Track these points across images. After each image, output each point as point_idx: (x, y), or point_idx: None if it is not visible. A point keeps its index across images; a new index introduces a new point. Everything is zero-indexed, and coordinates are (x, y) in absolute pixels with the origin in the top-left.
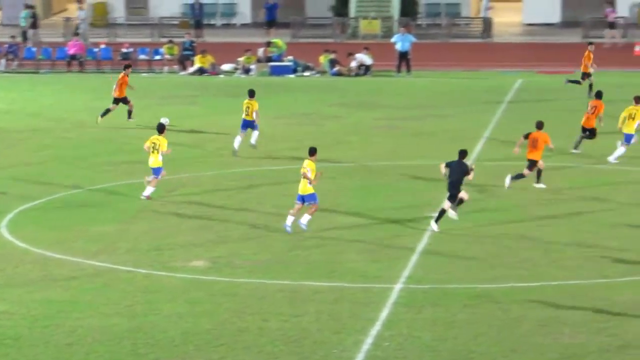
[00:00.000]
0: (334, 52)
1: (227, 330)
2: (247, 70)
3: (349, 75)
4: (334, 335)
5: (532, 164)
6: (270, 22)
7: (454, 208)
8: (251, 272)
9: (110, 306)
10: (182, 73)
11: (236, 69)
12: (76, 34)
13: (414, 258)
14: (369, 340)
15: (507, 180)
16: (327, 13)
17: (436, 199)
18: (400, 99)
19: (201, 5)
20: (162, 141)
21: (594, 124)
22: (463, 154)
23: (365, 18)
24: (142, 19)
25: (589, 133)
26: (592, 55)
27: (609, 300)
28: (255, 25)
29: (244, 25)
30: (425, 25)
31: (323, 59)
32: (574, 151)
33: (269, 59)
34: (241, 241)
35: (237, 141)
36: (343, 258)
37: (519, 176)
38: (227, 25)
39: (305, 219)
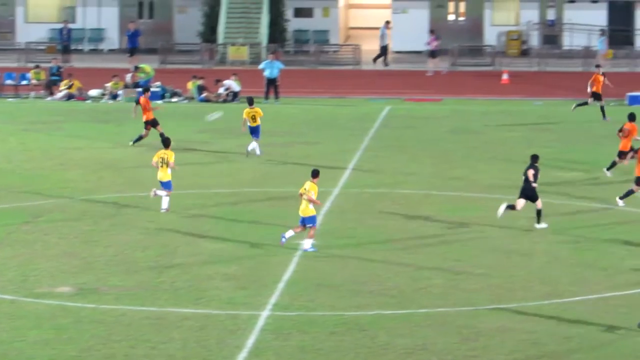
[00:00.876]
0: (201, 78)
1: (93, 357)
2: (114, 96)
3: (217, 102)
4: None
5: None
6: (132, 50)
7: (539, 218)
8: (117, 298)
9: None
10: (49, 98)
11: (104, 94)
12: None
13: (282, 285)
14: None
15: (620, 202)
16: (196, 39)
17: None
18: (268, 126)
19: (69, 30)
20: (169, 154)
21: (628, 146)
22: (535, 158)
23: (233, 44)
24: (9, 44)
25: (621, 154)
26: (601, 78)
27: (476, 328)
28: (123, 50)
29: (111, 51)
30: (294, 52)
31: (191, 85)
32: (607, 174)
33: (137, 85)
34: (107, 267)
35: (251, 145)
36: (210, 285)
37: (629, 192)
38: (94, 51)
39: (308, 243)
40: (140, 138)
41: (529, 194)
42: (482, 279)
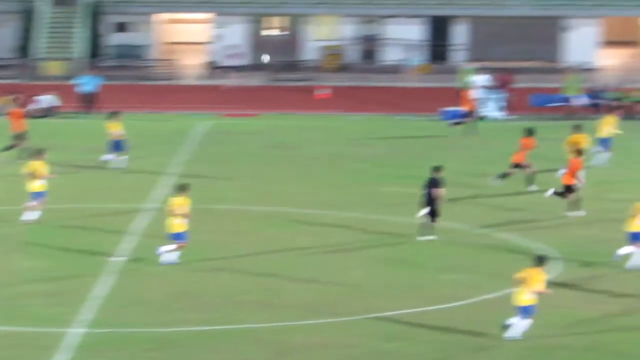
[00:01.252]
0: (18, 93)
1: None
2: None
3: (33, 117)
4: None
5: None
6: None
7: (429, 228)
8: None
9: None
10: None
11: None
12: None
13: (99, 302)
14: None
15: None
16: (11, 53)
17: (120, 242)
18: (85, 141)
19: None
20: (37, 166)
21: (522, 159)
22: (436, 169)
23: (50, 59)
24: None
25: (517, 168)
26: (467, 95)
27: (287, 344)
28: None
29: None
30: (113, 67)
31: (6, 101)
32: (493, 183)
33: None
34: None
35: (109, 157)
36: (24, 302)
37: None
38: None
39: (172, 256)
40: (11, 148)
41: (434, 209)
42: (300, 294)
